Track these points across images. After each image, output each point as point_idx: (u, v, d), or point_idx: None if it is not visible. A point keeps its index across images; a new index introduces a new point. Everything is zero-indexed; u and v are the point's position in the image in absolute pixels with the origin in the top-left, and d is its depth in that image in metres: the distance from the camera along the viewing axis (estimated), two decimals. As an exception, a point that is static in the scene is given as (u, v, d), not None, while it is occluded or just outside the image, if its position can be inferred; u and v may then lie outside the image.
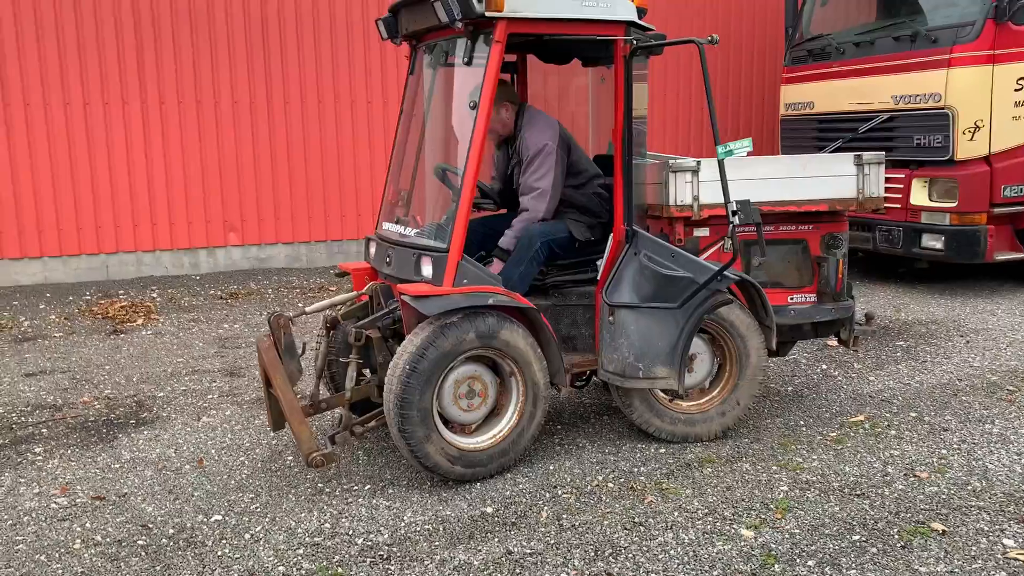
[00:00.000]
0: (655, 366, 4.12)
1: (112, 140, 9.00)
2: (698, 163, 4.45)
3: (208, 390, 5.56)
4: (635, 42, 4.09)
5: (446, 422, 3.98)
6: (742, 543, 3.48)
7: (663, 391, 4.38)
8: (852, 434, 4.64)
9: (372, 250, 4.62)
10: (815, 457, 4.33)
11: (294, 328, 4.14)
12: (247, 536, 3.60)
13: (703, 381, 4.48)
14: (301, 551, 3.47)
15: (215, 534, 3.63)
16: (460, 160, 4.01)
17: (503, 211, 4.93)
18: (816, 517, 3.68)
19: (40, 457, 4.49)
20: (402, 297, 3.88)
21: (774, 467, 4.21)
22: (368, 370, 4.33)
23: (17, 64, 8.56)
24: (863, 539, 3.49)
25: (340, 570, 3.32)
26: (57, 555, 3.47)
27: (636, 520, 3.68)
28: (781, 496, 3.89)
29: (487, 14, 3.76)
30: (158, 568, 3.35)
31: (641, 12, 4.20)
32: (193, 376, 5.88)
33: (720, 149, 3.86)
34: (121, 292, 8.51)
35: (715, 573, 3.26)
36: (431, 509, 3.81)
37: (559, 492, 3.97)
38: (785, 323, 4.59)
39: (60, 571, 3.35)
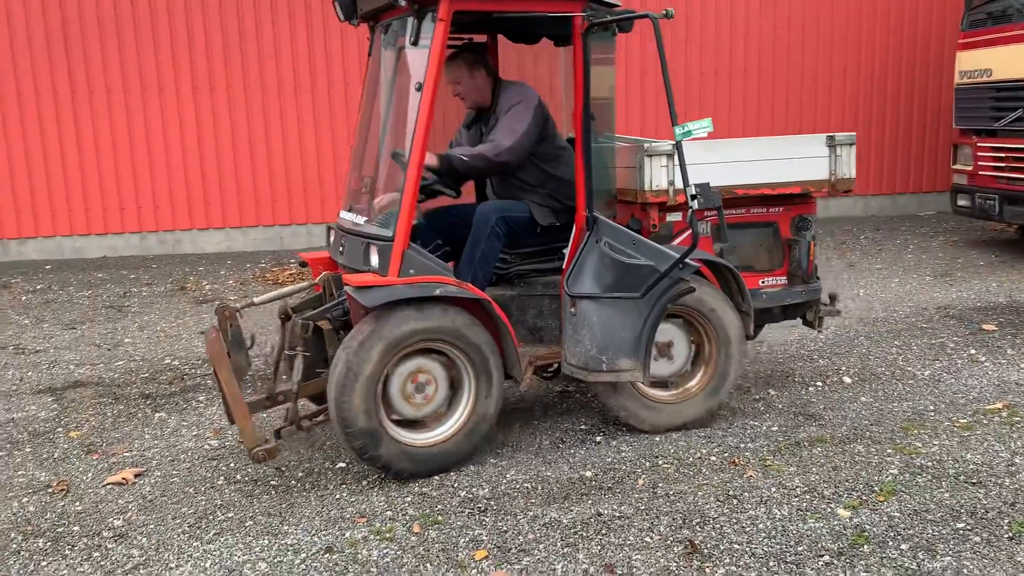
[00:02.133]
0: (619, 358, 3.97)
1: (286, 123, 9.77)
2: (674, 146, 4.19)
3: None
4: (591, 18, 3.90)
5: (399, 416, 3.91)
6: (835, 522, 3.44)
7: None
8: (984, 422, 4.41)
9: (331, 239, 4.48)
10: (936, 443, 4.17)
11: (242, 320, 4.09)
12: (364, 483, 3.94)
13: (684, 366, 4.36)
14: (409, 499, 3.77)
15: (337, 479, 4.00)
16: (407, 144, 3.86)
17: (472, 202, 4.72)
18: (921, 502, 3.58)
19: (202, 404, 5.07)
20: (345, 288, 3.80)
21: (889, 450, 4.09)
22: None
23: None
24: (967, 527, 3.36)
25: (440, 518, 3.59)
26: (203, 488, 3.96)
27: (731, 493, 3.72)
28: (889, 479, 3.79)
29: None
30: (283, 505, 3.75)
31: None
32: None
33: (678, 130, 3.71)
34: (291, 261, 9.24)
35: (800, 548, 3.26)
36: (534, 469, 4.01)
37: (659, 462, 4.06)
38: (757, 307, 4.50)
39: (203, 502, 3.82)
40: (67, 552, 3.42)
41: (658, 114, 10.36)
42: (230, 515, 3.69)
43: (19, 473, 4.18)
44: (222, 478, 4.06)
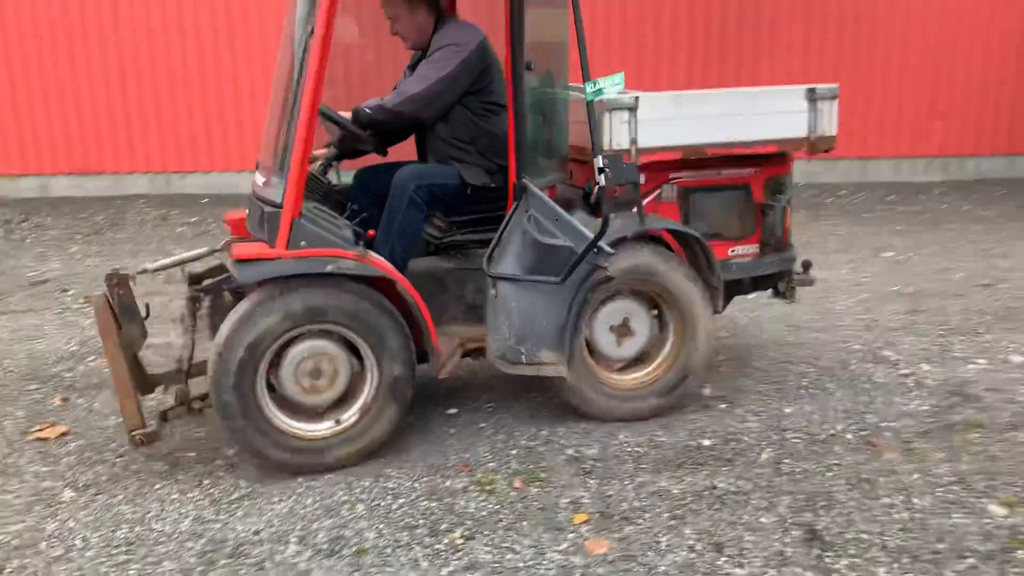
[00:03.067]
0: (539, 350, 3.55)
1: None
2: (636, 99, 3.73)
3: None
4: None
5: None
6: (985, 520, 3.04)
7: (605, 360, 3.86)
8: None
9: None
10: (1123, 438, 3.63)
11: (136, 287, 3.62)
12: (471, 430, 3.85)
13: (646, 346, 3.87)
14: (514, 452, 3.64)
15: (447, 425, 3.93)
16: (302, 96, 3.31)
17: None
18: (1094, 507, 3.11)
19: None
20: (228, 261, 3.45)
21: (1060, 443, 3.60)
22: None
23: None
24: None
25: (543, 475, 3.44)
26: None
27: (864, 476, 3.36)
28: (1056, 476, 3.33)
29: None
30: (390, 449, 3.70)
31: None
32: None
33: (588, 87, 3.35)
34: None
35: (940, 546, 2.90)
36: (647, 433, 3.78)
37: (788, 436, 3.74)
38: (726, 278, 4.00)
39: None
40: (179, 476, 3.51)
41: (640, 62, 9.40)
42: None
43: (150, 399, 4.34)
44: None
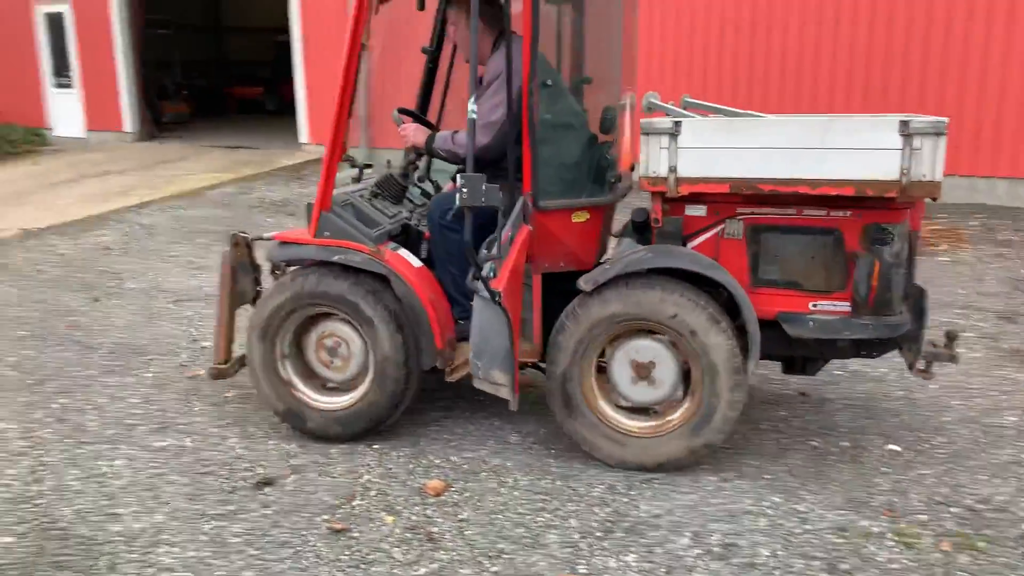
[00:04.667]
0: (492, 368, 3.31)
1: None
2: (677, 124, 3.27)
3: (965, 328, 5.24)
4: None
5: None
6: None
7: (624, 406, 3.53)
8: None
9: None
10: None
11: (254, 251, 4.09)
12: (913, 475, 3.47)
13: (670, 395, 3.46)
14: (954, 510, 3.20)
15: (881, 461, 3.60)
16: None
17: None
18: None
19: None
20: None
21: None
22: None
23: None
24: None
25: (982, 544, 2.97)
26: (742, 431, 3.95)
27: None
28: None
29: None
30: (812, 469, 3.52)
31: None
32: (962, 311, 5.58)
33: (471, 104, 3.21)
34: (942, 215, 8.35)
35: None
36: None
37: None
38: (805, 336, 3.39)
39: (739, 442, 3.82)
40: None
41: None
42: (755, 462, 3.62)
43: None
44: (767, 422, 3.99)
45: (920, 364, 3.56)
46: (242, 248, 4.06)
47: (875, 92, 9.09)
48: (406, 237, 3.94)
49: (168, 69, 18.61)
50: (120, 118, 15.03)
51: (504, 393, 3.34)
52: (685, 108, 3.88)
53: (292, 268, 3.86)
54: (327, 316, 3.76)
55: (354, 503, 3.34)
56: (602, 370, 3.53)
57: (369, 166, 4.30)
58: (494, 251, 3.26)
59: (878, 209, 3.29)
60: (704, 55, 10.00)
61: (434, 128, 4.14)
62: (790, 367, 3.77)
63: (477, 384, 3.40)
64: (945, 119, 3.12)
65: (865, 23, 9.11)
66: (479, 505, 3.31)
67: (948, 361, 3.57)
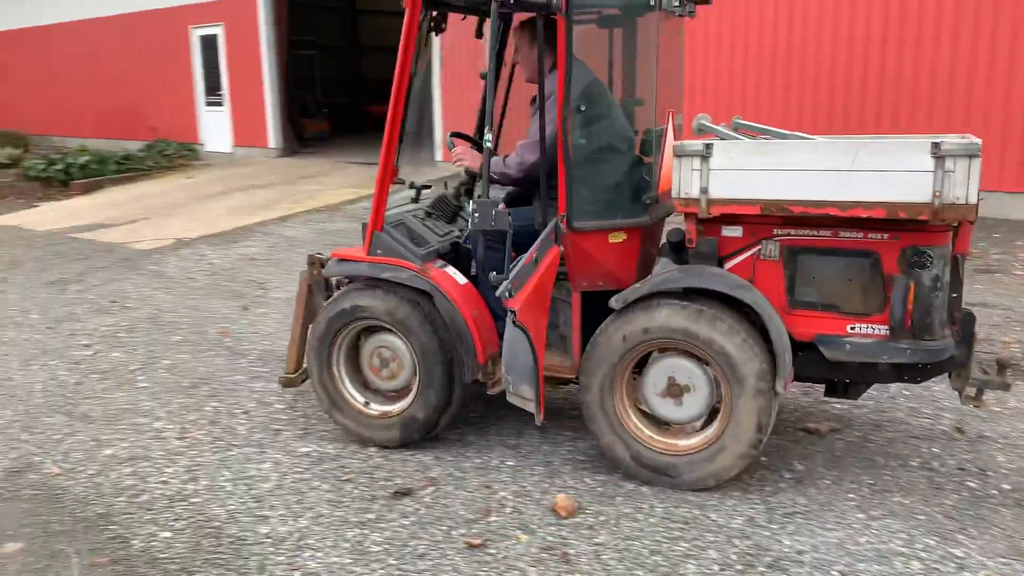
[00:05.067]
0: (520, 383, 3.49)
1: None
2: (709, 146, 3.30)
3: None
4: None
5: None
6: None
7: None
8: None
9: None
10: None
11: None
12: (1081, 525, 3.22)
13: (696, 417, 3.53)
14: None
15: (1049, 508, 3.35)
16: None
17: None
18: None
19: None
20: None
21: None
22: None
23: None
24: None
25: None
26: (892, 463, 3.76)
27: None
28: None
29: None
30: (969, 512, 3.31)
31: None
32: None
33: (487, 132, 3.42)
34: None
35: None
36: None
37: None
38: (842, 359, 3.36)
39: (886, 477, 3.63)
40: (745, 478, 3.67)
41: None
42: (906, 500, 3.43)
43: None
44: (917, 459, 3.79)
45: (970, 392, 3.47)
46: (317, 268, 4.31)
47: (936, 111, 8.57)
48: (456, 255, 4.06)
49: (310, 88, 19.45)
50: (265, 135, 15.82)
51: (531, 408, 3.48)
52: (735, 130, 3.88)
53: (349, 283, 4.09)
54: (380, 329, 3.95)
55: (490, 519, 3.37)
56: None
57: (428, 187, 4.51)
58: (512, 272, 3.37)
59: (916, 232, 3.23)
60: (756, 79, 9.91)
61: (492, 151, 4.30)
62: (832, 390, 3.71)
63: (509, 399, 3.57)
64: (979, 141, 3.05)
65: (912, 40, 8.71)
66: (615, 529, 3.28)
67: (1000, 389, 3.45)
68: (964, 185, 3.04)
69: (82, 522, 3.45)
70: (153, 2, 16.86)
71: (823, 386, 3.76)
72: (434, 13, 3.99)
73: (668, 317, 3.39)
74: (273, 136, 15.80)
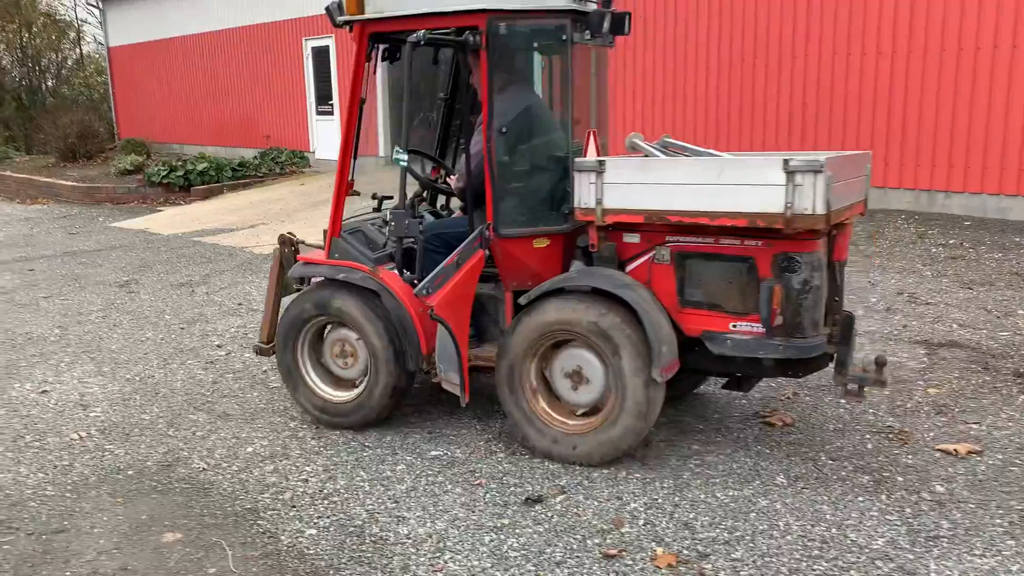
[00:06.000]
0: (449, 370, 4.03)
1: None
2: (602, 163, 3.77)
3: None
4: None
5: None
6: None
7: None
8: None
9: None
10: None
11: (300, 250, 4.78)
12: None
13: (597, 400, 3.91)
14: None
15: None
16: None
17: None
18: None
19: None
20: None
21: None
22: None
23: None
24: None
25: None
26: None
27: None
28: None
29: (338, 20, 4.14)
30: None
31: None
32: None
33: (395, 152, 4.00)
34: None
35: None
36: None
37: None
38: (725, 353, 3.76)
39: None
40: (883, 496, 3.57)
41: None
42: (1059, 529, 3.29)
43: (869, 411, 4.48)
44: (1067, 487, 3.63)
45: (853, 388, 3.81)
46: (289, 247, 4.76)
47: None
48: (410, 259, 4.32)
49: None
50: (375, 143, 16.23)
51: (457, 391, 4.01)
52: (665, 148, 4.18)
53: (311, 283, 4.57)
54: (339, 324, 4.38)
55: (623, 530, 3.39)
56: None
57: (389, 197, 4.92)
58: (432, 273, 3.90)
59: (787, 240, 3.57)
60: (693, 94, 10.69)
61: (446, 167, 4.88)
62: (728, 383, 4.20)
63: (443, 384, 4.09)
64: (822, 158, 3.39)
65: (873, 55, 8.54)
66: (752, 546, 3.25)
67: (877, 386, 3.81)
68: (812, 197, 3.39)
69: (232, 516, 3.63)
70: (270, 15, 17.51)
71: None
72: (382, 46, 4.40)
73: (559, 311, 3.84)
74: (382, 145, 16.17)
